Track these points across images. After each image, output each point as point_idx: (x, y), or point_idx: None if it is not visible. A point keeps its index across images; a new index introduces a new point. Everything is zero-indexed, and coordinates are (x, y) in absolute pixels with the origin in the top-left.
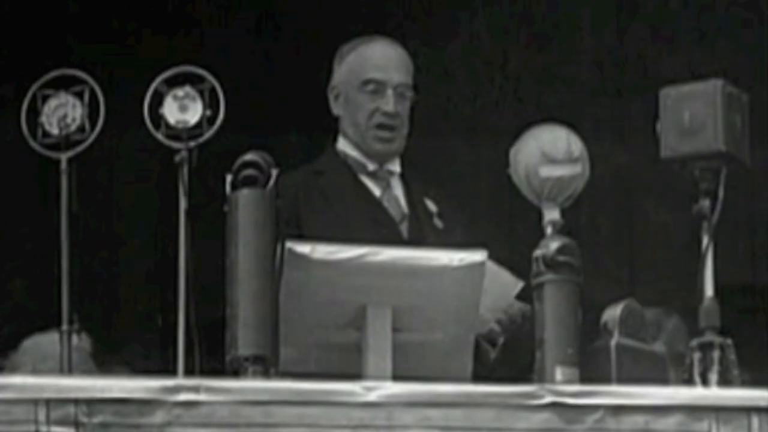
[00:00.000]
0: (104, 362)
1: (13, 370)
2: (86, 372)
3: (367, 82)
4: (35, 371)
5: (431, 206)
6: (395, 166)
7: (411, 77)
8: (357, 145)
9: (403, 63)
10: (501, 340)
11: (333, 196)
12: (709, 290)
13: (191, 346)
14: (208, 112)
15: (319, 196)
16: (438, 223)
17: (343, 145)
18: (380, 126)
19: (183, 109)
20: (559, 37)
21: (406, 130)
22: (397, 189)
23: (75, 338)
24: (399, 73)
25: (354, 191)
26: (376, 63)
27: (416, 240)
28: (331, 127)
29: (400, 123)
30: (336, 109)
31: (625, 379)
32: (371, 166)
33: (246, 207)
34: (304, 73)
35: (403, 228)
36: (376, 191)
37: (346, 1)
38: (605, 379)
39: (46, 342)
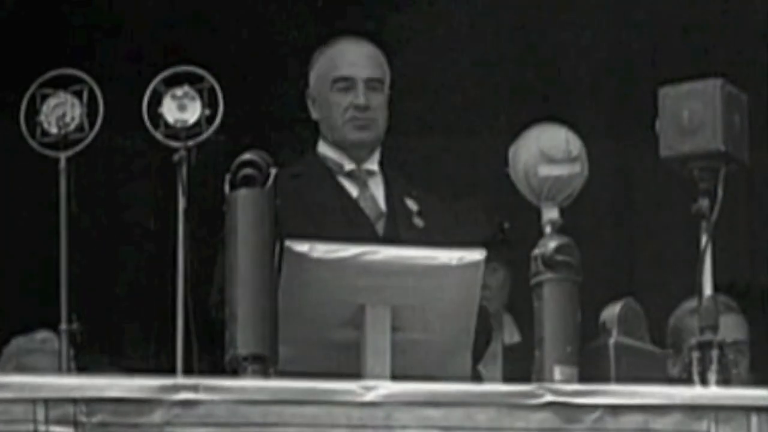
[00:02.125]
0: (93, 363)
1: None
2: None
3: (337, 80)
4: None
5: (411, 205)
6: (373, 165)
7: (383, 73)
8: (336, 144)
9: (373, 58)
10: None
11: (309, 198)
12: (708, 290)
13: (190, 346)
14: (207, 112)
15: (295, 199)
16: (418, 222)
17: (322, 148)
18: (353, 119)
19: (182, 108)
20: (556, 35)
21: (384, 124)
22: (376, 188)
23: (56, 342)
24: (368, 68)
25: (330, 192)
26: (343, 60)
27: (391, 238)
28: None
29: (374, 116)
30: (314, 113)
31: (624, 379)
32: (349, 166)
33: (244, 206)
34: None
35: (379, 226)
36: (353, 192)
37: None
38: (604, 379)
39: (25, 345)
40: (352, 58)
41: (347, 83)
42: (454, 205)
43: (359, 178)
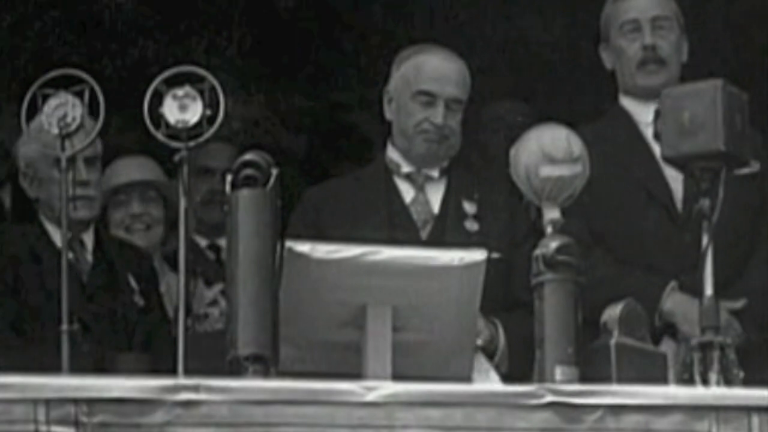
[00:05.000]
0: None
1: None
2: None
3: (419, 93)
4: None
5: (468, 208)
6: (434, 172)
7: (465, 93)
8: (402, 150)
9: (458, 77)
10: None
11: (360, 202)
12: (708, 290)
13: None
14: (208, 112)
15: (346, 203)
16: (472, 225)
17: (390, 151)
18: (425, 132)
19: (183, 108)
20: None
21: (457, 143)
22: (434, 192)
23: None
24: (452, 87)
25: (384, 196)
26: (431, 75)
27: (436, 243)
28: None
29: (449, 133)
30: (388, 113)
31: (624, 379)
32: (406, 168)
33: (246, 207)
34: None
35: (425, 231)
36: (408, 195)
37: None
38: (605, 379)
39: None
40: (439, 75)
41: (429, 99)
42: (512, 202)
43: (416, 181)
